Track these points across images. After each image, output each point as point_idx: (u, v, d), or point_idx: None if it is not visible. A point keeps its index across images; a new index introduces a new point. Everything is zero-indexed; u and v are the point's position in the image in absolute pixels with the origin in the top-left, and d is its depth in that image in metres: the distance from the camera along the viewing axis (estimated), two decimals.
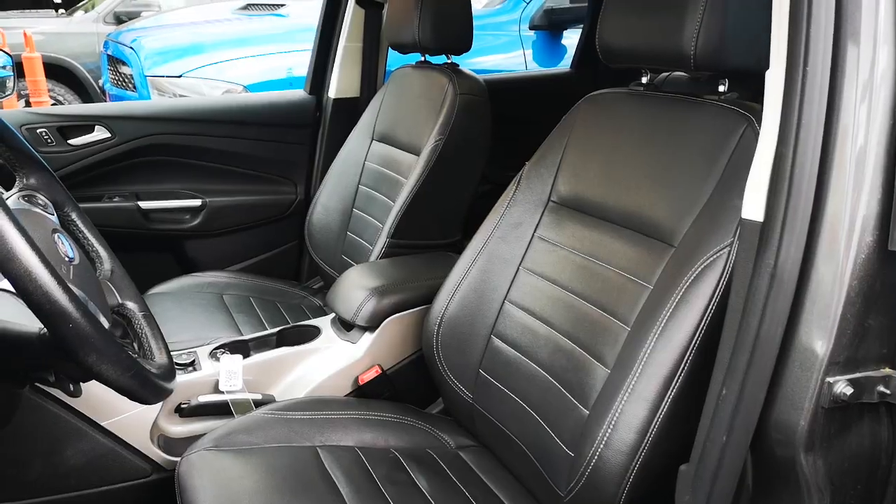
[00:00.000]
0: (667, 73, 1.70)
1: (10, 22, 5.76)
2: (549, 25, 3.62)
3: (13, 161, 1.07)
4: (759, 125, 0.93)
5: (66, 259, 0.90)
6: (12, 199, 1.00)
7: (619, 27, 1.09)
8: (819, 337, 0.71)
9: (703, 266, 0.91)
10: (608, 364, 1.01)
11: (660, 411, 0.90)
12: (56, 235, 0.93)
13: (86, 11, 6.70)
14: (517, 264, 1.23)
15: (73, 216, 1.11)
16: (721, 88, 1.03)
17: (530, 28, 3.64)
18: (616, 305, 1.04)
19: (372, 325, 1.42)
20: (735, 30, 0.94)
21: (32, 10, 7.23)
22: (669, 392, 0.90)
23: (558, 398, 1.07)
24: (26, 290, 0.69)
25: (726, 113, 0.99)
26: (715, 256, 0.90)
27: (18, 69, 4.99)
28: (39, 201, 1.03)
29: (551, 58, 3.69)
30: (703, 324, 0.89)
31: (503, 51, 3.60)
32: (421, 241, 1.68)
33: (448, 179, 1.64)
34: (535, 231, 1.23)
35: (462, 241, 1.70)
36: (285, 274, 2.18)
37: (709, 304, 0.89)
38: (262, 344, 1.44)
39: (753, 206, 0.76)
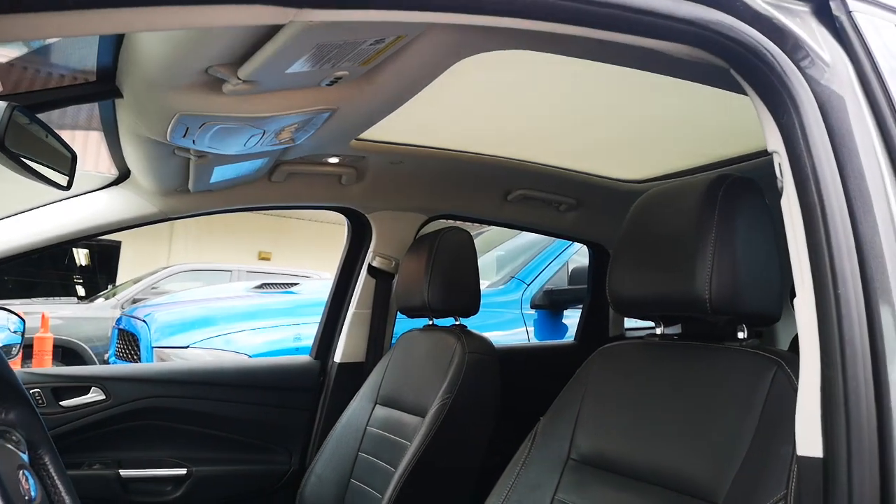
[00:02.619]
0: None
1: (32, 307, 6.04)
2: (550, 305, 3.77)
3: None
4: (789, 368, 0.90)
5: (26, 499, 0.84)
6: None
7: (629, 278, 1.11)
8: None
9: None
10: None
11: None
12: (22, 472, 0.88)
13: (106, 299, 7.08)
14: None
15: (46, 459, 1.05)
16: (740, 335, 1.01)
17: (531, 307, 3.79)
18: None
19: None
20: (748, 272, 0.95)
21: (56, 297, 7.66)
22: None
23: None
24: None
25: (752, 357, 0.95)
26: None
27: (27, 351, 5.09)
28: (13, 437, 0.98)
29: (552, 334, 3.78)
30: None
31: (506, 328, 3.69)
32: None
33: (456, 441, 1.54)
34: (554, 494, 1.10)
35: None
36: None
37: None
38: None
39: (808, 440, 0.67)
